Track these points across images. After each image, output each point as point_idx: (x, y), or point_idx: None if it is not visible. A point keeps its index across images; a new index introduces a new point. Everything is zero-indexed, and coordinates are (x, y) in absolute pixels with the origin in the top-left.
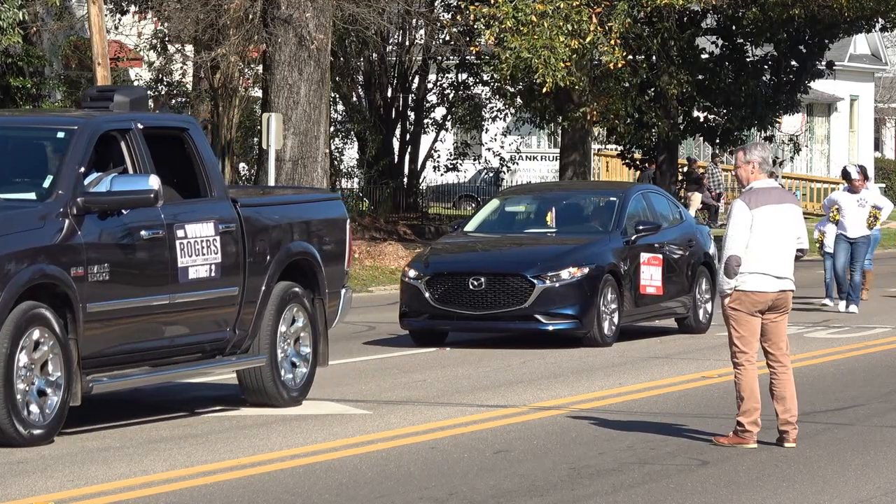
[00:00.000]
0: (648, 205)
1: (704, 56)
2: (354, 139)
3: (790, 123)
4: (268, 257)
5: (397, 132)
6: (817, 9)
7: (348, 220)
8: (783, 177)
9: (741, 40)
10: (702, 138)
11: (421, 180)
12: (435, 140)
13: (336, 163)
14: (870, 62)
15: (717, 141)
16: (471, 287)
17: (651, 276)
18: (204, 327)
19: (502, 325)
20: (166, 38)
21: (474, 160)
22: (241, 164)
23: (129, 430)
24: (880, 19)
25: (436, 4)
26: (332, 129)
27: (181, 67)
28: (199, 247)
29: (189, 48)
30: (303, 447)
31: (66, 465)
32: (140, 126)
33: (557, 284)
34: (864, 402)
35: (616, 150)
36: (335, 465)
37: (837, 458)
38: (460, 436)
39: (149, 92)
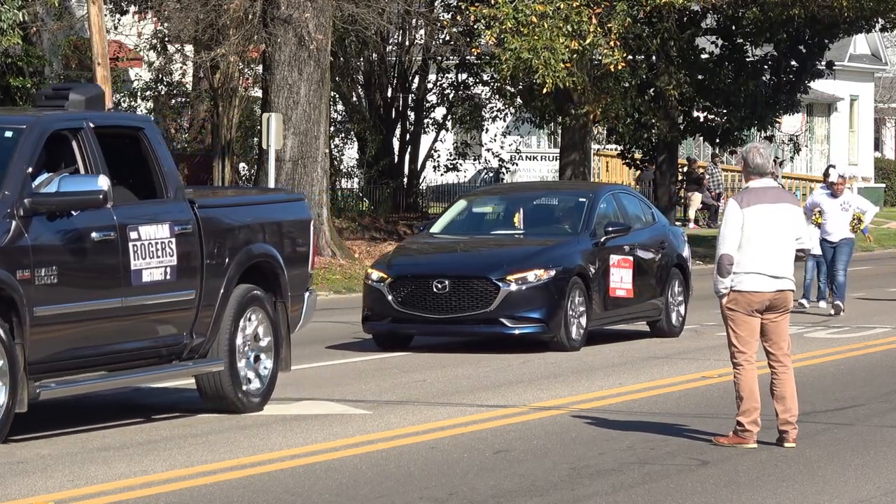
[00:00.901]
0: (619, 206)
1: (704, 56)
2: (354, 139)
3: (790, 123)
4: (227, 260)
5: (397, 132)
6: (817, 9)
7: (312, 222)
8: (783, 177)
9: (741, 40)
10: (702, 138)
11: (421, 180)
12: (435, 140)
13: (336, 163)
14: (870, 62)
15: (717, 141)
16: (435, 290)
17: (621, 279)
18: (159, 331)
19: (467, 329)
20: (166, 38)
21: (474, 160)
22: (241, 164)
23: (129, 430)
24: (880, 19)
25: (436, 4)
26: (332, 129)
27: (181, 67)
28: (153, 249)
29: (189, 48)
30: (303, 447)
31: (66, 465)
32: (92, 125)
33: (523, 287)
34: (864, 402)
35: (616, 150)
36: (335, 465)
37: (837, 458)
38: (460, 436)
39: (148, 92)
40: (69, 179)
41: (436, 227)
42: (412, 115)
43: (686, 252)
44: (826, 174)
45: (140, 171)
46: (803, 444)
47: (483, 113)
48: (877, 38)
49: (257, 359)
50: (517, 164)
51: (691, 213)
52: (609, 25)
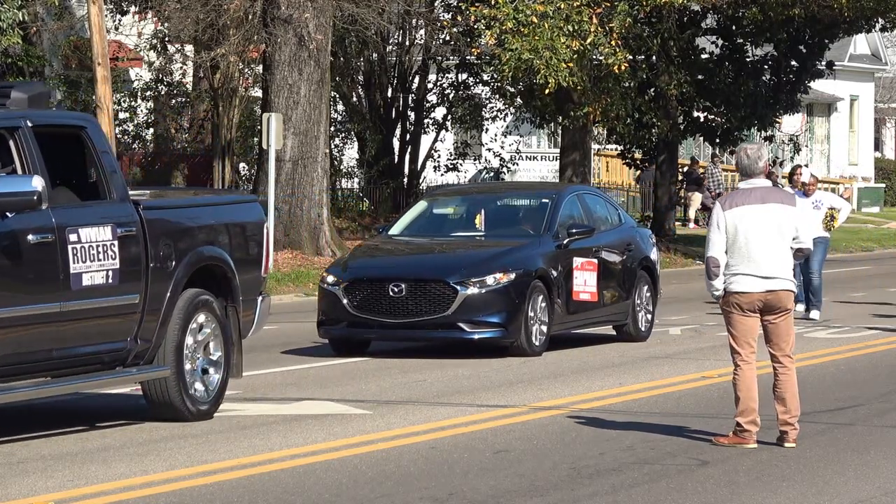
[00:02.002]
0: (584, 207)
1: (704, 56)
2: (354, 139)
3: (790, 123)
4: (174, 263)
5: (397, 132)
6: (817, 9)
7: (266, 224)
8: (783, 177)
9: (741, 40)
10: (702, 138)
11: (421, 180)
12: (435, 140)
13: (336, 163)
14: (870, 62)
15: (717, 141)
16: (391, 293)
17: (585, 282)
18: (101, 337)
19: (424, 334)
20: (166, 38)
21: (474, 160)
22: (241, 164)
23: (129, 430)
24: (880, 19)
25: (436, 4)
26: (332, 129)
27: (181, 67)
28: (94, 252)
29: (189, 48)
30: (303, 447)
31: (66, 465)
32: (31, 124)
33: (482, 291)
34: (864, 402)
35: (616, 150)
36: (335, 465)
37: (837, 458)
38: (460, 436)
39: (148, 92)
40: (3, 180)
41: (395, 229)
42: (412, 115)
43: (654, 254)
44: (792, 174)
45: (83, 172)
46: (803, 444)
47: (483, 113)
48: (877, 38)
49: (206, 365)
50: (517, 164)
51: (691, 213)
52: (610, 25)
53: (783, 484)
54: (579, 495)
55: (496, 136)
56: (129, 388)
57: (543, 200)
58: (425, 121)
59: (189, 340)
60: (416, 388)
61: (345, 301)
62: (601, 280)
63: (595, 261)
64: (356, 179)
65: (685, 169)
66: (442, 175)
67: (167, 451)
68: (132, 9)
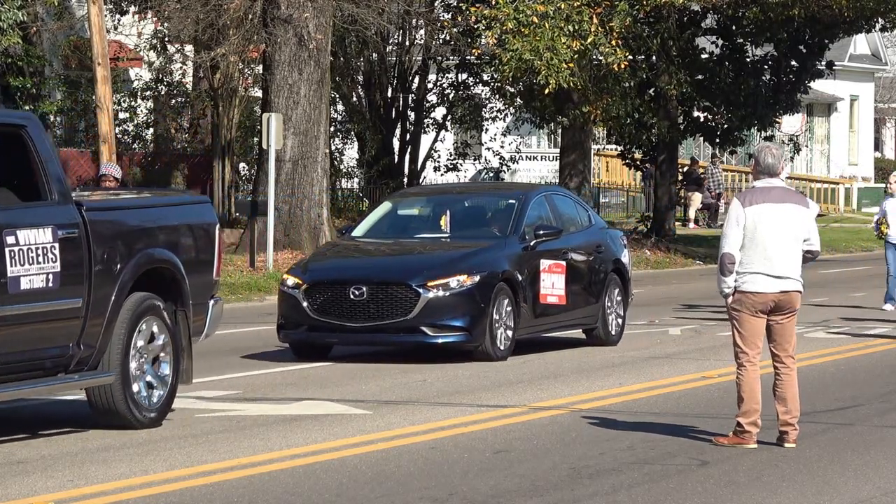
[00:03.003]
0: (552, 208)
1: (704, 56)
2: (354, 139)
3: (790, 123)
4: (119, 266)
5: (397, 132)
6: (817, 9)
7: (218, 226)
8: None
9: (741, 40)
10: (702, 138)
11: (421, 180)
12: (435, 140)
13: (336, 163)
14: (870, 62)
15: (717, 141)
16: (352, 297)
17: (552, 285)
18: (42, 342)
19: (386, 338)
20: (166, 38)
21: (474, 160)
22: (241, 164)
23: (129, 430)
24: (880, 19)
25: (436, 4)
26: (332, 129)
27: (181, 67)
28: (33, 254)
29: (189, 48)
30: (303, 447)
31: (66, 465)
32: None
33: (445, 294)
34: (864, 402)
35: (616, 150)
36: (335, 465)
37: (837, 458)
38: (460, 436)
39: (148, 92)
40: None
41: (358, 230)
42: (412, 115)
43: (625, 256)
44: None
45: (23, 173)
46: (803, 444)
47: (483, 113)
48: (877, 38)
49: (154, 371)
50: (517, 164)
51: (691, 213)
52: (610, 25)
53: (783, 484)
54: (579, 495)
55: (496, 136)
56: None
57: (510, 201)
58: (425, 121)
59: (135, 346)
60: (416, 388)
61: (305, 304)
62: (569, 282)
63: (563, 263)
64: (356, 179)
65: (685, 169)
66: (442, 175)
67: (167, 451)
68: (132, 9)
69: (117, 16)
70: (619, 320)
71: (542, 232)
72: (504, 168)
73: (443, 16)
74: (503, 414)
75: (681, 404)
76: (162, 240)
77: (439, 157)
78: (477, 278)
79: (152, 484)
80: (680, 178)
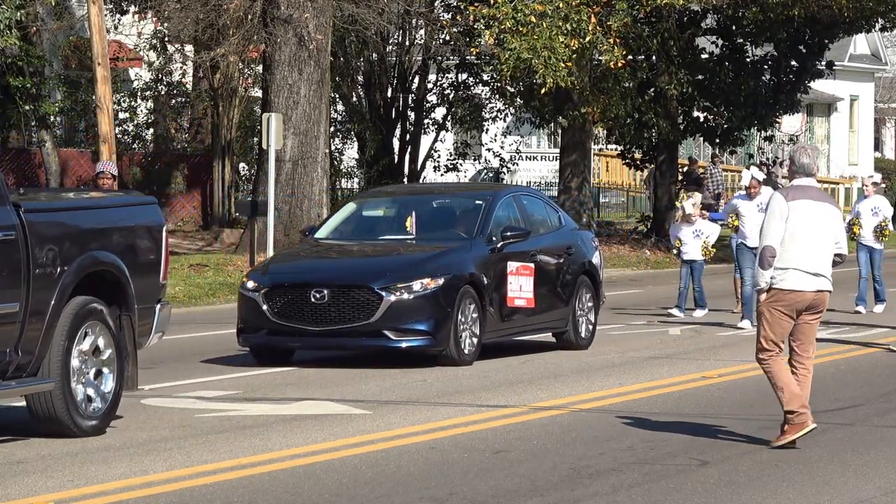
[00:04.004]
0: (521, 209)
1: (704, 56)
2: (354, 139)
3: (790, 123)
4: (59, 269)
5: (397, 132)
6: (817, 9)
7: (165, 228)
8: (783, 177)
9: (741, 40)
10: (702, 138)
11: (421, 180)
12: (435, 140)
13: (336, 163)
14: (870, 62)
15: (717, 141)
16: (313, 300)
17: (520, 288)
18: None
19: (348, 342)
20: (166, 38)
21: (474, 160)
22: (241, 164)
23: (129, 430)
24: (880, 19)
25: (436, 4)
26: (332, 129)
27: (181, 67)
28: None
29: (189, 48)
30: (303, 447)
31: (66, 465)
32: None
33: (408, 297)
34: (864, 402)
35: (616, 150)
36: (335, 465)
37: (837, 458)
38: (460, 436)
39: (148, 92)
40: None
41: (321, 232)
42: (412, 115)
43: (596, 258)
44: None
45: None
46: (803, 444)
47: (483, 113)
48: (877, 38)
49: (97, 377)
50: (517, 164)
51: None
52: (609, 24)
53: (783, 484)
54: (579, 495)
55: (496, 136)
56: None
57: (477, 202)
58: (425, 121)
59: (77, 351)
60: (416, 388)
61: (265, 307)
62: (538, 285)
63: (531, 265)
64: (356, 179)
65: (685, 169)
66: (442, 175)
67: (167, 451)
68: (132, 9)
69: (117, 16)
70: (590, 324)
71: (509, 233)
72: (504, 168)
73: (443, 16)
74: (503, 414)
75: (681, 404)
76: (106, 242)
77: (439, 157)
78: (441, 281)
79: (152, 484)
80: (680, 178)
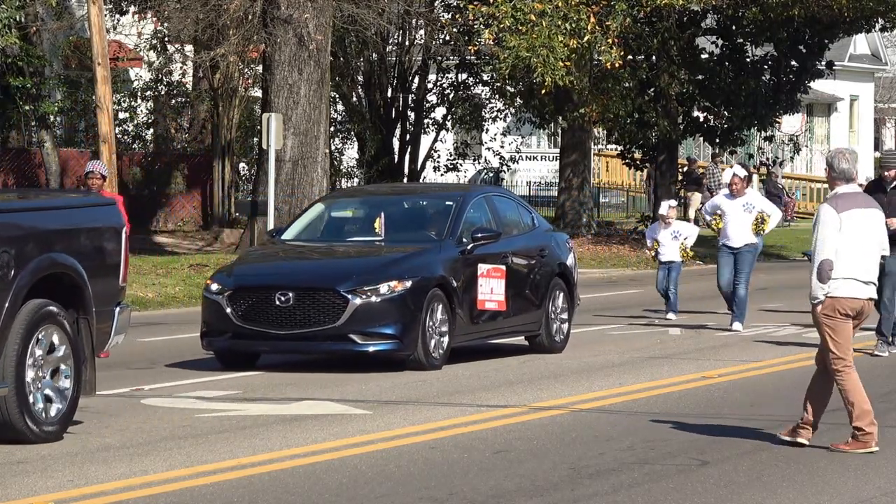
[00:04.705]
0: (492, 210)
1: (704, 56)
2: (354, 139)
3: (790, 123)
4: (13, 272)
5: (397, 132)
6: (817, 9)
7: (125, 230)
8: (783, 177)
9: (741, 40)
10: (702, 138)
11: (421, 180)
12: (435, 140)
13: (336, 163)
14: (870, 62)
15: (717, 141)
16: (277, 303)
17: (491, 290)
18: None
19: (314, 346)
20: (166, 38)
21: (474, 160)
22: (241, 164)
23: (129, 430)
24: (880, 19)
25: (436, 4)
26: (332, 129)
27: (181, 67)
28: None
29: (189, 48)
30: (303, 447)
31: (66, 465)
32: None
33: (375, 300)
34: None
35: (616, 150)
36: (335, 465)
37: (837, 458)
38: (460, 436)
39: (148, 92)
40: None
41: (288, 233)
42: (412, 115)
43: (570, 260)
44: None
45: None
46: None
47: (483, 113)
48: (877, 38)
49: (53, 383)
50: (517, 164)
51: (691, 213)
52: (608, 24)
53: (783, 484)
54: (579, 495)
55: (496, 136)
56: (128, 387)
57: (447, 203)
58: (425, 121)
59: (32, 355)
60: (416, 388)
61: (229, 310)
62: (510, 288)
63: (503, 267)
64: (356, 179)
65: (685, 169)
66: (442, 175)
67: (167, 451)
68: (132, 9)
69: (117, 16)
70: (564, 326)
71: (480, 235)
72: (504, 168)
73: (443, 16)
74: (503, 414)
75: (681, 404)
76: (63, 244)
77: (439, 157)
78: (409, 284)
79: (152, 484)
80: (680, 178)
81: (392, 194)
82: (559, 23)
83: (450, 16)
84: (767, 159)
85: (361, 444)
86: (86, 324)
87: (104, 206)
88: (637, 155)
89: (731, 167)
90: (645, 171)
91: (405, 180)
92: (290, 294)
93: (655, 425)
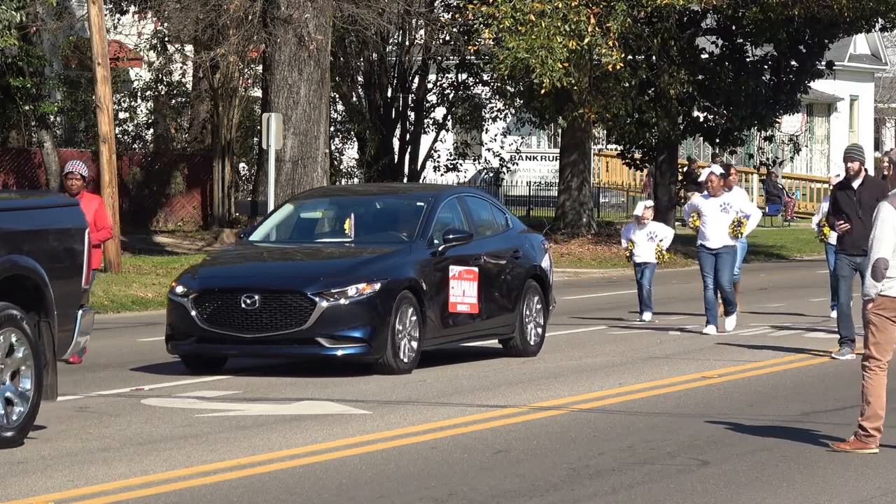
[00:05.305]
0: (465, 211)
1: (704, 56)
2: (354, 139)
3: (790, 123)
4: None
5: (397, 132)
6: (817, 9)
7: (87, 231)
8: (783, 177)
9: (741, 40)
10: (702, 138)
11: (421, 180)
12: (435, 140)
13: (336, 163)
14: (870, 62)
15: (717, 141)
16: (243, 305)
17: (463, 293)
18: None
19: (281, 350)
20: (166, 38)
21: (474, 160)
22: (241, 164)
23: (129, 430)
24: (880, 19)
25: (436, 4)
26: (332, 129)
27: (181, 67)
28: None
29: (189, 48)
30: (303, 447)
31: (66, 465)
32: None
33: (343, 303)
34: None
35: (616, 150)
36: (335, 465)
37: (837, 458)
38: (460, 436)
39: (148, 92)
40: None
41: (256, 235)
42: (412, 115)
43: (545, 262)
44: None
45: None
46: (803, 444)
47: (483, 113)
48: (877, 38)
49: (12, 387)
50: (517, 164)
51: None
52: (608, 25)
53: (783, 484)
54: (579, 495)
55: (496, 136)
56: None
57: (418, 204)
58: (425, 121)
59: None
60: (416, 388)
61: (194, 314)
62: (483, 290)
63: (475, 269)
64: (356, 179)
65: (685, 169)
66: (442, 175)
67: (167, 451)
68: (132, 9)
69: (117, 16)
70: (539, 329)
71: (451, 236)
72: (504, 168)
73: (442, 16)
74: (503, 414)
75: (680, 404)
76: (23, 246)
77: (439, 157)
78: (378, 286)
79: (152, 484)
80: (680, 178)
81: (363, 195)
82: (559, 24)
83: (450, 16)
84: (767, 159)
85: (361, 444)
86: (47, 327)
87: (66, 206)
88: (637, 155)
89: (720, 166)
90: (645, 170)
91: (405, 180)
92: (257, 297)
93: (655, 425)
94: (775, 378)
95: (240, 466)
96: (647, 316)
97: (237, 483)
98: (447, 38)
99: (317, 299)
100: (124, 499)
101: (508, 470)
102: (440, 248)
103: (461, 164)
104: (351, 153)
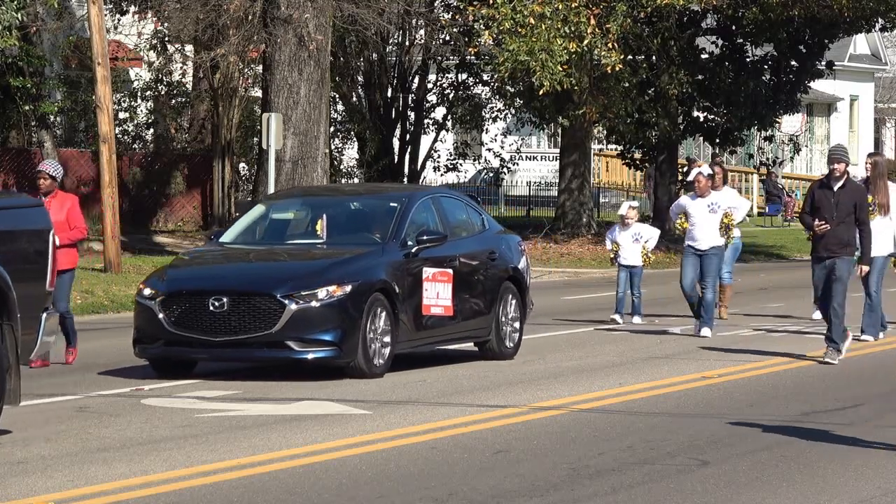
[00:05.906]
0: (439, 212)
1: (704, 56)
2: (354, 139)
3: (790, 123)
4: None
5: (397, 132)
6: (817, 9)
7: (52, 232)
8: (783, 177)
9: (741, 40)
10: (702, 138)
11: (421, 180)
12: (435, 140)
13: (336, 163)
14: (870, 62)
15: (717, 141)
16: (212, 308)
17: (437, 295)
18: None
19: (249, 354)
20: (166, 38)
21: (474, 160)
22: (241, 164)
23: (129, 430)
24: (880, 19)
25: (436, 4)
26: (332, 129)
27: (181, 67)
28: None
29: (189, 48)
30: (303, 447)
31: (66, 465)
32: None
33: (313, 305)
34: (864, 402)
35: (616, 150)
36: (335, 465)
37: (837, 459)
38: (460, 436)
39: (148, 92)
40: None
41: (227, 236)
42: (412, 115)
43: (522, 263)
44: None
45: None
46: (803, 444)
47: (483, 113)
48: (877, 38)
49: None
50: (517, 164)
51: None
52: (608, 26)
53: (783, 484)
54: (579, 495)
55: (496, 136)
56: (129, 388)
57: (392, 204)
58: (425, 121)
59: None
60: (416, 388)
61: (161, 316)
62: (457, 292)
63: (449, 271)
64: (356, 179)
65: (685, 169)
66: (442, 175)
67: (167, 451)
68: (132, 9)
69: (117, 16)
70: (516, 332)
71: (425, 237)
72: (504, 168)
73: (442, 16)
74: (503, 414)
75: (680, 404)
76: None
77: (439, 157)
78: (349, 288)
79: (152, 484)
80: (680, 178)
81: (335, 195)
82: (559, 25)
83: (450, 16)
84: (767, 159)
85: (361, 444)
86: (10, 330)
87: (30, 207)
88: (637, 155)
89: (709, 165)
90: (644, 170)
91: (405, 180)
92: (225, 299)
93: (655, 425)
94: (775, 378)
95: (240, 466)
96: (637, 319)
97: (237, 483)
98: (447, 38)
99: (286, 302)
100: (124, 499)
101: (508, 470)
102: (414, 250)
103: (461, 165)
104: (351, 153)
